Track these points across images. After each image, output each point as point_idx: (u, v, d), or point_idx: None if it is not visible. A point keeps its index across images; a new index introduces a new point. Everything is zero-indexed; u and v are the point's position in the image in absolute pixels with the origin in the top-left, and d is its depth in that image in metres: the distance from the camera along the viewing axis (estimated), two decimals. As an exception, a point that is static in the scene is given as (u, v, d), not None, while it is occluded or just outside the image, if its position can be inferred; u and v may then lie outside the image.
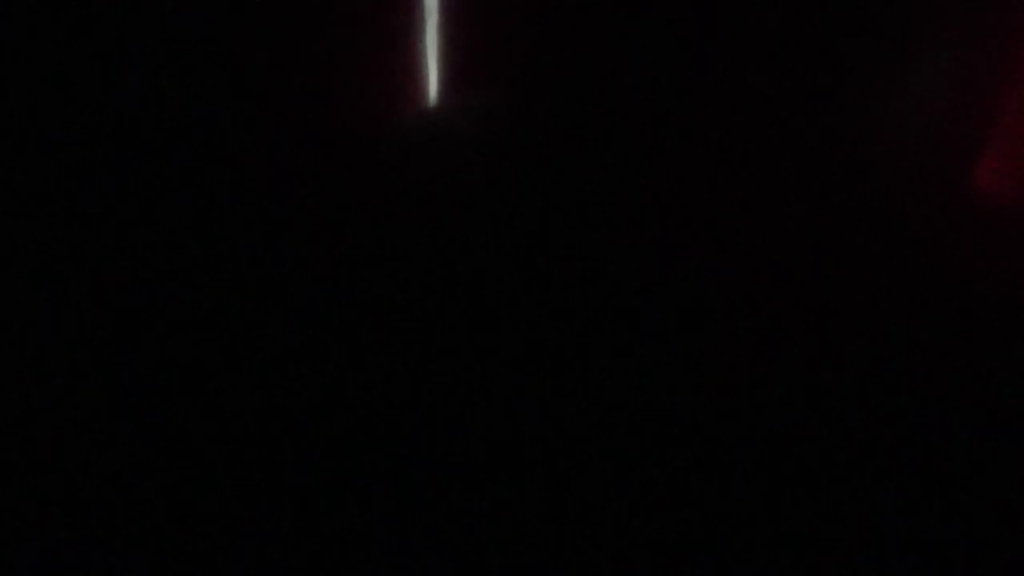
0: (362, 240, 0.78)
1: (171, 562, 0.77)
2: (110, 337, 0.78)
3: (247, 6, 0.74)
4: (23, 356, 0.77)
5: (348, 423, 0.78)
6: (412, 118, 0.78)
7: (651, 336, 0.78)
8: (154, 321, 0.78)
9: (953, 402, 0.78)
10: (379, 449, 0.77)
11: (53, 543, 0.76)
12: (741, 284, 0.78)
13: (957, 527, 0.76)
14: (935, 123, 0.76)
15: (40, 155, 0.75)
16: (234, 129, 0.76)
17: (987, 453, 0.77)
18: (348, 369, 0.78)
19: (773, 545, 0.77)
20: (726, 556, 0.76)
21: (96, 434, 0.77)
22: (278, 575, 0.78)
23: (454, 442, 0.77)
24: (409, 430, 0.78)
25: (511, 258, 0.77)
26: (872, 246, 0.78)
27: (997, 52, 0.75)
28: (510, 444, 0.77)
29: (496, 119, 0.76)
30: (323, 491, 0.78)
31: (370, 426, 0.78)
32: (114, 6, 0.73)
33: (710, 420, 0.77)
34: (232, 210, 0.77)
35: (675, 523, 0.77)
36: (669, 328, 0.78)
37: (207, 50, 0.74)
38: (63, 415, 0.77)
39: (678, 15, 0.74)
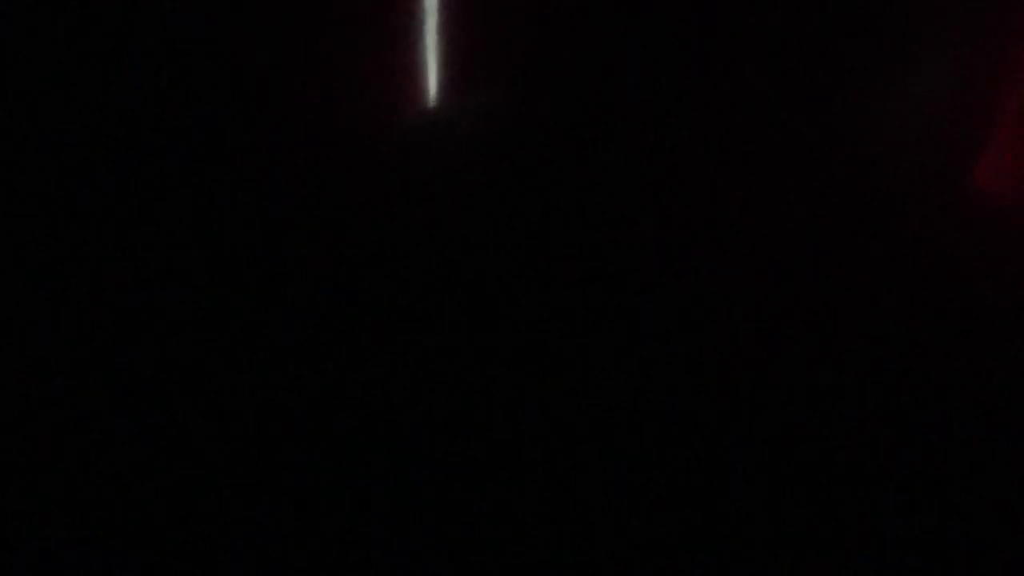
0: (362, 240, 0.78)
1: (171, 562, 0.77)
2: (110, 337, 0.78)
3: (247, 6, 0.74)
4: (23, 356, 0.77)
5: (348, 423, 0.78)
6: (412, 118, 0.78)
7: (651, 336, 0.78)
8: (154, 321, 0.78)
9: (953, 402, 0.78)
10: (379, 449, 0.77)
11: (53, 543, 0.77)
12: (741, 284, 0.78)
13: (957, 527, 0.76)
14: (935, 123, 0.76)
15: (40, 155, 0.75)
16: (234, 129, 0.76)
17: (987, 453, 0.77)
18: (348, 369, 0.78)
19: (773, 545, 0.77)
20: (726, 556, 0.76)
21: (96, 434, 0.77)
22: (278, 575, 0.78)
23: (454, 442, 0.77)
24: (409, 430, 0.78)
25: (511, 258, 0.77)
26: (872, 246, 0.78)
27: (997, 52, 0.75)
28: (510, 444, 0.77)
29: (496, 119, 0.76)
30: (323, 491, 0.78)
31: (370, 426, 0.78)
32: (114, 6, 0.73)
33: (710, 420, 0.77)
34: (232, 210, 0.77)
35: (675, 523, 0.77)
36: (669, 328, 0.78)
37: (207, 50, 0.74)
38: (63, 415, 0.77)
39: (678, 15, 0.74)
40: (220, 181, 0.77)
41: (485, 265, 0.77)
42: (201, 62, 0.74)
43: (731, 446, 0.77)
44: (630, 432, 0.78)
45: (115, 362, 0.78)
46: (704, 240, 0.77)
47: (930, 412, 0.77)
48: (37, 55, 0.73)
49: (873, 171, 0.77)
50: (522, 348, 0.78)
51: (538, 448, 0.78)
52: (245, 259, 0.78)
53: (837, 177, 0.77)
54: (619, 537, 0.78)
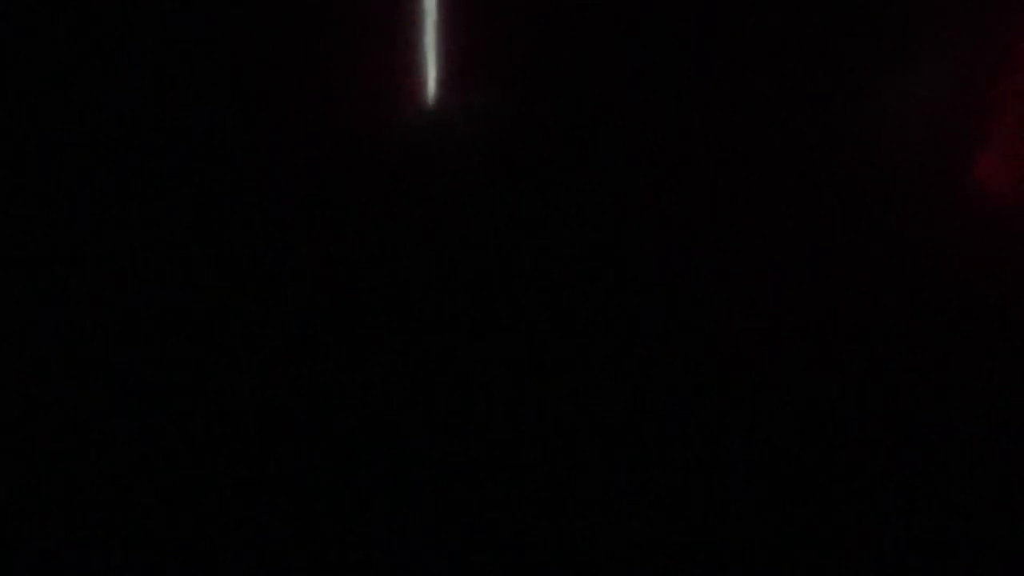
0: (362, 239, 0.78)
1: (171, 562, 0.77)
2: (110, 337, 0.78)
3: (247, 6, 0.74)
4: (23, 356, 0.77)
5: (348, 422, 0.78)
6: (412, 118, 0.78)
7: (651, 335, 0.78)
8: (154, 320, 0.78)
9: (953, 401, 0.78)
10: (379, 449, 0.77)
11: (53, 543, 0.76)
12: (741, 283, 0.78)
13: (957, 527, 0.76)
14: (935, 123, 0.77)
15: (40, 155, 0.75)
16: (234, 129, 0.76)
17: (987, 453, 0.77)
18: (348, 368, 0.78)
19: (773, 545, 0.77)
20: (726, 556, 0.76)
21: (96, 434, 0.77)
22: (278, 575, 0.78)
23: (454, 441, 0.77)
24: (409, 429, 0.78)
25: (511, 257, 0.77)
26: (872, 245, 0.78)
27: (997, 52, 0.75)
28: (510, 444, 0.77)
29: (496, 119, 0.76)
30: (323, 491, 0.77)
31: (370, 425, 0.78)
32: (114, 6, 0.73)
33: (710, 420, 0.77)
34: (232, 209, 0.77)
35: (675, 523, 0.77)
36: (669, 328, 0.78)
37: (207, 50, 0.75)
38: (63, 415, 0.77)
39: (678, 15, 0.74)
40: (220, 180, 0.77)
41: (484, 263, 0.77)
42: (202, 62, 0.75)
43: (731, 446, 0.77)
44: (630, 432, 0.78)
45: (115, 361, 0.78)
46: (704, 239, 0.78)
47: (930, 410, 0.77)
48: (37, 55, 0.73)
49: (873, 171, 0.77)
50: (522, 346, 0.78)
51: (538, 447, 0.78)
52: (245, 257, 0.78)
53: (837, 177, 0.77)
54: (619, 537, 0.77)
